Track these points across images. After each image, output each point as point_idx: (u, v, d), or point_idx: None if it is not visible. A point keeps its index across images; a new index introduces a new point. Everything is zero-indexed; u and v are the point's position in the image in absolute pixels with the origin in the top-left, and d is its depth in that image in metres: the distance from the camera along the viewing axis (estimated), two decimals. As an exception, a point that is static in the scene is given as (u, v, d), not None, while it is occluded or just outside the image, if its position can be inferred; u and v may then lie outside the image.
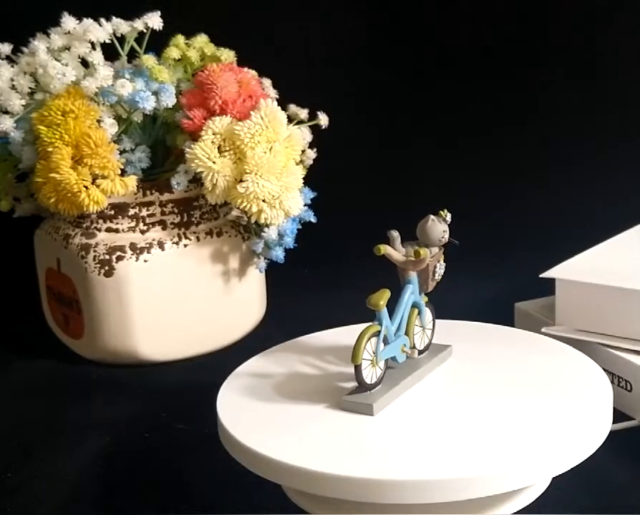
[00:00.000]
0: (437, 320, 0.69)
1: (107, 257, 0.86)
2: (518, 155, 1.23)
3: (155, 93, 0.86)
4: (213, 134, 0.84)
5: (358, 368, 0.61)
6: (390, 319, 0.63)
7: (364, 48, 1.23)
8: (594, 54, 1.20)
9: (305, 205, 0.90)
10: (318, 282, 1.09)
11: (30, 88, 0.88)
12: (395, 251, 0.64)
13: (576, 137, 1.21)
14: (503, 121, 1.23)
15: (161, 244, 0.88)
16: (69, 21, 0.88)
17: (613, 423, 0.63)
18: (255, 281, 0.94)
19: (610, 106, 1.20)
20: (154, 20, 0.90)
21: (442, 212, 0.65)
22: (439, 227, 0.65)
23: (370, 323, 0.62)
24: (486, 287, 1.03)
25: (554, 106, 1.22)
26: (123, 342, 0.88)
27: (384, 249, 0.63)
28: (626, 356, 0.74)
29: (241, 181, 0.84)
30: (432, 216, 0.65)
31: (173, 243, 0.88)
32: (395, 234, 0.65)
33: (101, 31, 0.88)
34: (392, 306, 0.64)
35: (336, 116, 0.94)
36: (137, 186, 0.86)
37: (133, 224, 0.88)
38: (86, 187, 0.83)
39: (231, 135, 0.84)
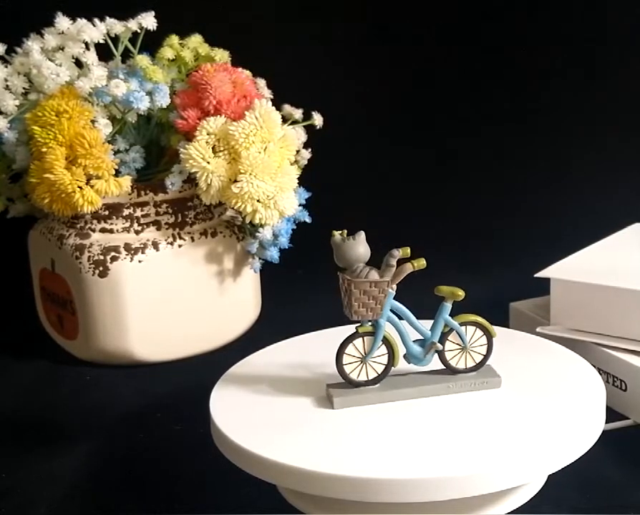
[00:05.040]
0: (431, 320, 0.68)
1: (102, 257, 0.86)
2: (515, 155, 1.22)
3: (149, 93, 0.86)
4: (207, 135, 0.84)
5: None
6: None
7: (360, 48, 1.23)
8: (593, 54, 1.20)
9: (299, 205, 0.90)
10: (313, 283, 1.08)
11: (24, 88, 0.88)
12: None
13: (572, 137, 1.21)
14: (501, 122, 1.22)
15: (155, 245, 0.88)
16: (62, 21, 0.88)
17: (608, 422, 0.63)
18: (249, 281, 0.94)
19: (607, 106, 1.20)
20: (148, 20, 0.90)
21: (340, 232, 0.63)
22: None
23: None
24: (481, 287, 1.03)
25: (551, 105, 1.22)
26: (117, 343, 0.88)
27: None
28: (621, 356, 0.74)
29: (236, 181, 0.84)
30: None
31: (168, 243, 0.88)
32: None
33: (95, 31, 0.88)
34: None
35: (330, 116, 0.93)
36: (132, 186, 0.86)
37: (127, 224, 0.88)
38: (80, 188, 0.83)
39: (225, 135, 0.84)
